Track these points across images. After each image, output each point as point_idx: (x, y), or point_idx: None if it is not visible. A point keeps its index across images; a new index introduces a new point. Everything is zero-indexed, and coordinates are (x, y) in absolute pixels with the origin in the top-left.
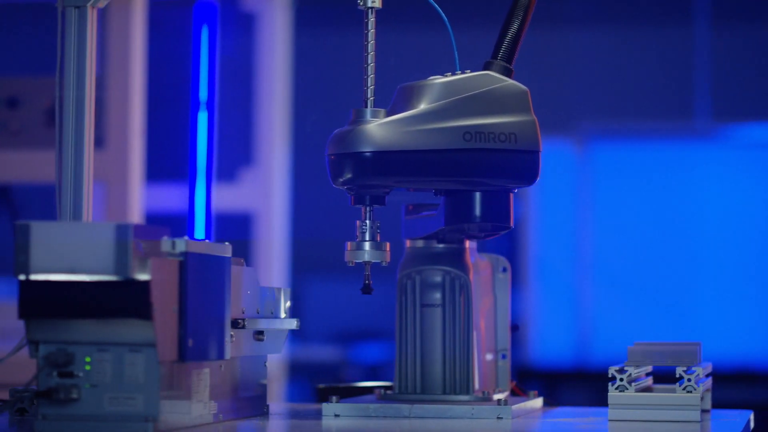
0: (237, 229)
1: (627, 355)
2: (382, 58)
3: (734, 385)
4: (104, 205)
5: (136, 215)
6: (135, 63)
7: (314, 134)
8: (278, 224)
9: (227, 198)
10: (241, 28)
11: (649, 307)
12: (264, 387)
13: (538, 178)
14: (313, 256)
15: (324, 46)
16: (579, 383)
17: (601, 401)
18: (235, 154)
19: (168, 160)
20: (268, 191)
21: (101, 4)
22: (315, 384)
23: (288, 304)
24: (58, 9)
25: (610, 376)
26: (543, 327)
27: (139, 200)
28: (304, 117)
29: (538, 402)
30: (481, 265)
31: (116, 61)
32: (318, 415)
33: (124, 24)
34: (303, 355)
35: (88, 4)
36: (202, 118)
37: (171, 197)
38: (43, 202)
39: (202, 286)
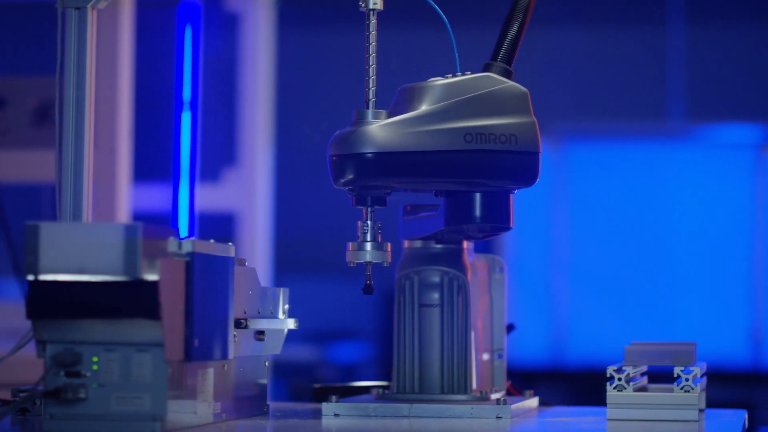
0: (220, 229)
1: (624, 355)
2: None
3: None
4: (92, 204)
5: (123, 215)
6: (123, 64)
7: (299, 134)
8: (261, 224)
9: (210, 198)
10: (225, 28)
11: (624, 307)
12: (264, 387)
13: (538, 179)
14: (294, 255)
15: (307, 46)
16: (554, 383)
17: (577, 401)
18: (219, 153)
19: (154, 159)
20: (250, 191)
21: (101, 5)
22: (292, 384)
23: (287, 306)
24: (58, 10)
25: (608, 375)
26: (518, 326)
27: (126, 200)
28: (287, 117)
29: (534, 401)
30: (478, 266)
31: (103, 62)
32: (318, 414)
33: (112, 25)
34: (280, 354)
35: (89, 6)
36: (186, 118)
37: (156, 197)
38: (30, 202)
39: (208, 287)
